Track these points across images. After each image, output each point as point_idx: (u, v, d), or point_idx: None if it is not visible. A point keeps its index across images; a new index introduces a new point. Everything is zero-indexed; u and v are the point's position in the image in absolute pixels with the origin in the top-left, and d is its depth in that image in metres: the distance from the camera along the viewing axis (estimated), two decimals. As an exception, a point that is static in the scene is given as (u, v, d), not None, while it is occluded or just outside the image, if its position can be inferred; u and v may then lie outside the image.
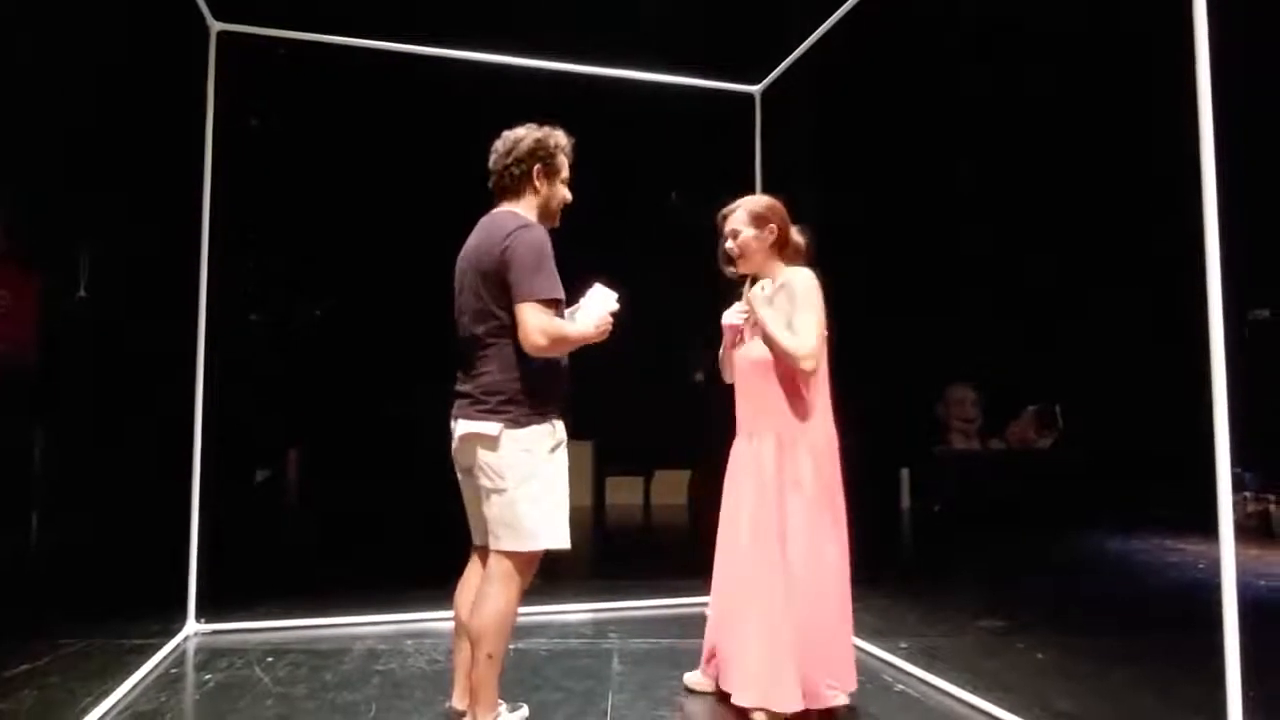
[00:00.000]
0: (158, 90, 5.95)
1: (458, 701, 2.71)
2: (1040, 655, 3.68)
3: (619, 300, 2.58)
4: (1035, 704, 3.00)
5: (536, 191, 2.63)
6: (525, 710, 2.74)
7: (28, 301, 6.73)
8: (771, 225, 2.95)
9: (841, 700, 2.85)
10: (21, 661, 3.37)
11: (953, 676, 3.26)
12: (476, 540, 2.71)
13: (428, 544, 3.95)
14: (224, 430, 4.25)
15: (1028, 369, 9.08)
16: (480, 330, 2.50)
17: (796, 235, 3.04)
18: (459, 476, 2.68)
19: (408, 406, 5.76)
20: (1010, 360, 8.98)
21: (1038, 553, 6.61)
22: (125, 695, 3.03)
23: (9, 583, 5.11)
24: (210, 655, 3.55)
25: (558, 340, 2.42)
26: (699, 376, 8.47)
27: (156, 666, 3.37)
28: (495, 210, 2.64)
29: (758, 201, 3.02)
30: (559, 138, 2.67)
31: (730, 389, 3.08)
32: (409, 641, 3.77)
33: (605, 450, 9.54)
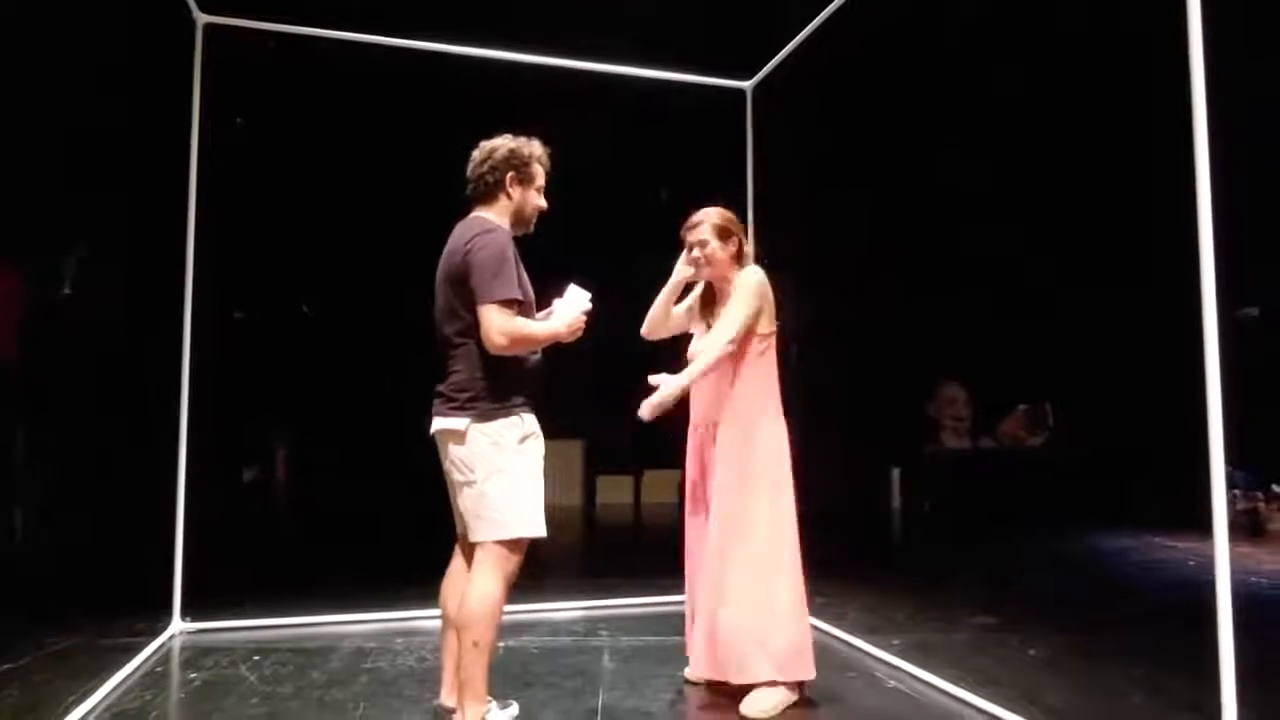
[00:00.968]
0: (143, 84, 5.89)
1: (446, 698, 2.70)
2: (1032, 651, 3.68)
3: (592, 300, 2.66)
4: (1027, 699, 2.99)
5: (510, 199, 2.72)
6: (515, 708, 2.72)
7: (9, 299, 6.65)
8: (734, 237, 3.16)
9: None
10: (4, 661, 3.33)
11: (945, 672, 3.25)
12: (460, 534, 2.74)
13: (416, 541, 3.92)
14: (210, 427, 4.21)
15: (1019, 367, 9.08)
16: (450, 331, 2.61)
17: (747, 245, 3.26)
18: (445, 473, 2.70)
19: (396, 404, 5.72)
20: (1001, 359, 8.99)
21: (1028, 550, 6.61)
22: (109, 694, 2.99)
23: (-7, 582, 5.06)
24: (196, 653, 3.52)
25: (519, 340, 2.51)
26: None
27: (141, 665, 3.33)
28: (468, 216, 2.71)
29: (721, 215, 3.19)
30: (534, 147, 2.76)
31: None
32: (398, 639, 3.75)
33: (595, 449, 9.56)
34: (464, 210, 2.73)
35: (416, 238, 3.51)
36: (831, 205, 8.05)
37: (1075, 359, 8.63)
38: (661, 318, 3.30)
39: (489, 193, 2.70)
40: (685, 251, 3.20)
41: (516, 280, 2.54)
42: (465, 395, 2.55)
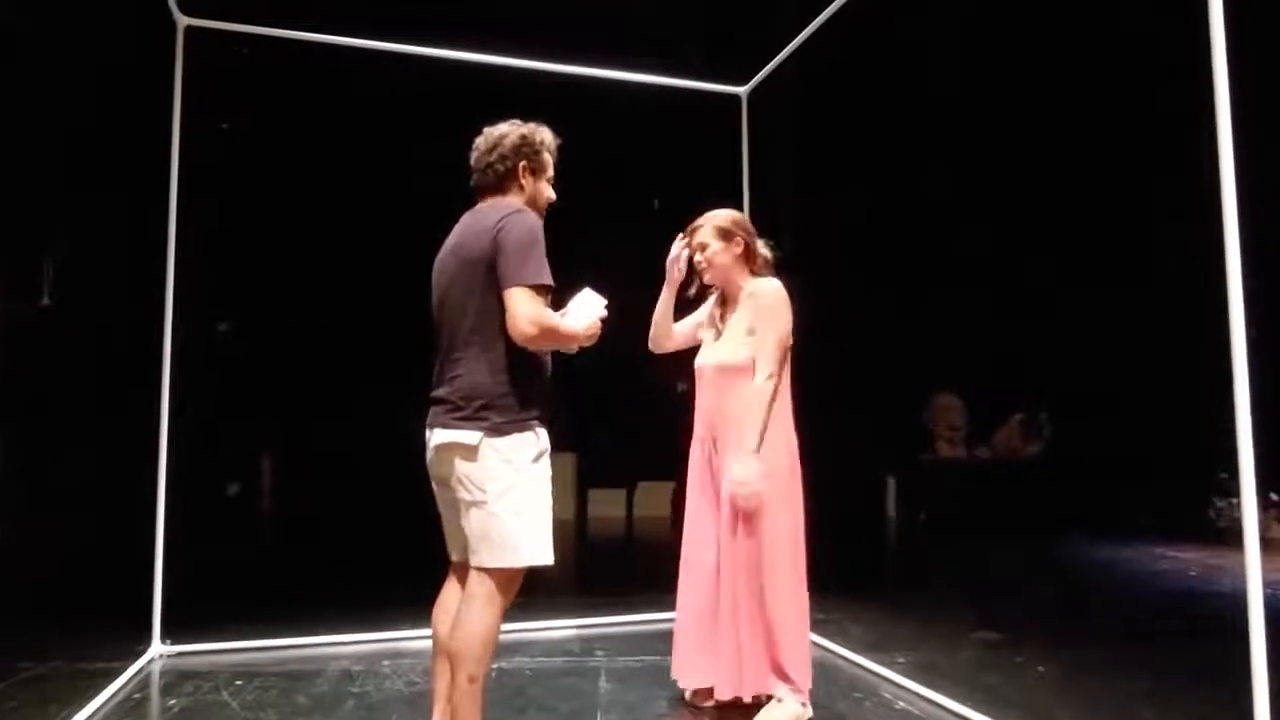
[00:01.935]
0: (123, 87, 5.79)
1: (436, 727, 2.55)
2: (1041, 669, 3.59)
3: (606, 307, 2.49)
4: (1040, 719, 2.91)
5: (522, 189, 2.51)
6: (509, 735, 2.59)
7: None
8: (737, 239, 3.03)
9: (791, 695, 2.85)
10: (-25, 688, 3.19)
11: (954, 692, 3.15)
12: (454, 556, 2.55)
13: (406, 560, 3.81)
14: (192, 444, 4.09)
15: (1014, 377, 9.05)
16: (462, 327, 2.36)
17: (763, 248, 3.12)
18: (435, 488, 2.51)
19: (384, 416, 5.61)
20: (997, 368, 8.95)
21: (1026, 562, 6.55)
22: (85, 722, 2.87)
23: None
24: (176, 678, 3.38)
25: (548, 331, 2.28)
26: (682, 388, 8.36)
27: (119, 691, 3.20)
28: (481, 204, 2.51)
29: (724, 216, 3.09)
30: (545, 134, 2.56)
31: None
32: (386, 662, 3.62)
33: (588, 462, 9.44)
34: (470, 202, 2.53)
35: (404, 244, 3.43)
36: (826, 210, 8.00)
37: (1071, 368, 8.59)
38: (664, 328, 3.20)
39: (499, 183, 2.48)
40: (675, 241, 3.08)
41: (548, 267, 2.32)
42: (476, 403, 2.29)
